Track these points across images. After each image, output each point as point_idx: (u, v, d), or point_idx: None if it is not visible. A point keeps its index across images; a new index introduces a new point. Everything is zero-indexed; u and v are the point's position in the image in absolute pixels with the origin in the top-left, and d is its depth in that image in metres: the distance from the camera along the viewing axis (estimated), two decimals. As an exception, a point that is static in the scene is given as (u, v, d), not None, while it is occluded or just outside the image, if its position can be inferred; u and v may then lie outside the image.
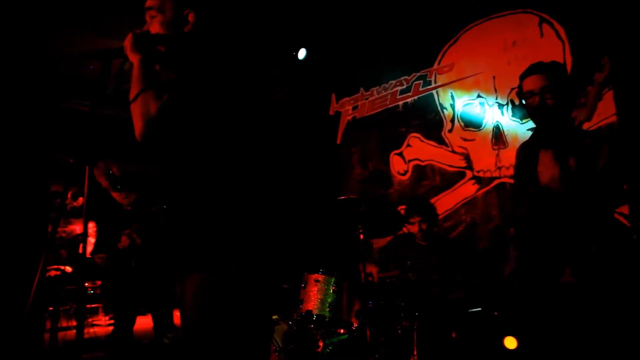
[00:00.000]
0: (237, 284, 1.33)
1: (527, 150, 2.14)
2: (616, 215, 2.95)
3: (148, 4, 1.51)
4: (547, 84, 2.02)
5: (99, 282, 6.42)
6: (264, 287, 1.41)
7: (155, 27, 1.49)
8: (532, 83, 2.06)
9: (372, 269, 3.61)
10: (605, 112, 3.11)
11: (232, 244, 1.35)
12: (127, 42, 1.45)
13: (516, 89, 2.25)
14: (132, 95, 1.39)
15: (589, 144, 1.92)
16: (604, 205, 1.91)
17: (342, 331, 3.06)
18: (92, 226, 7.34)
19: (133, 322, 3.35)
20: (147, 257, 3.19)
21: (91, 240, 7.23)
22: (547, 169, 1.84)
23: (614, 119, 3.09)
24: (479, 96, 3.95)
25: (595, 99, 1.70)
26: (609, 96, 3.11)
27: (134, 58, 1.44)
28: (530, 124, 2.23)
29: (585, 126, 2.66)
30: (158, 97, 1.37)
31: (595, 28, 3.17)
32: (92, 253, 3.55)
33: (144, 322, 3.61)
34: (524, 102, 2.12)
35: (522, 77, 2.14)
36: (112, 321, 6.02)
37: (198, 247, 1.37)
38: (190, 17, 1.49)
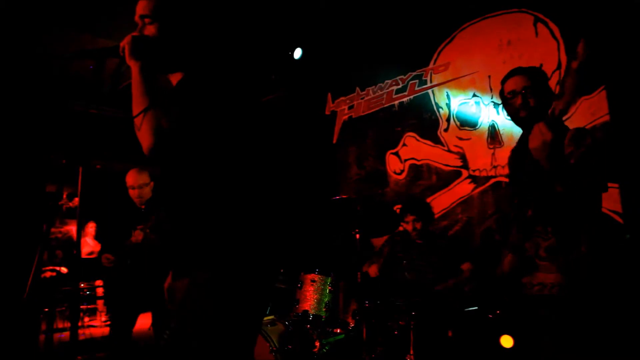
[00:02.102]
0: (234, 284, 1.33)
1: (518, 153, 2.14)
2: (610, 214, 2.97)
3: (141, 12, 1.47)
4: (529, 85, 2.02)
5: (96, 283, 6.39)
6: (261, 287, 1.41)
7: (150, 31, 1.46)
8: (514, 84, 2.06)
9: (368, 268, 3.60)
10: (599, 110, 3.12)
11: (229, 244, 1.35)
12: (126, 46, 1.40)
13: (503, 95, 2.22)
14: (137, 109, 1.35)
15: (570, 136, 1.92)
16: (591, 200, 1.90)
17: (338, 331, 3.06)
18: (92, 227, 7.31)
19: (134, 322, 3.35)
20: (158, 254, 3.17)
21: (89, 241, 7.21)
22: (537, 140, 1.80)
23: (608, 117, 3.11)
24: (474, 95, 3.96)
25: (572, 88, 1.65)
26: (602, 95, 3.12)
27: (133, 64, 1.40)
28: None
29: (581, 124, 2.66)
30: (168, 111, 1.33)
31: (589, 27, 3.18)
32: (100, 252, 3.55)
33: (141, 323, 3.59)
34: (506, 103, 2.12)
35: (504, 80, 2.13)
36: (109, 322, 5.99)
37: (194, 247, 1.37)
38: (188, 22, 1.48)
